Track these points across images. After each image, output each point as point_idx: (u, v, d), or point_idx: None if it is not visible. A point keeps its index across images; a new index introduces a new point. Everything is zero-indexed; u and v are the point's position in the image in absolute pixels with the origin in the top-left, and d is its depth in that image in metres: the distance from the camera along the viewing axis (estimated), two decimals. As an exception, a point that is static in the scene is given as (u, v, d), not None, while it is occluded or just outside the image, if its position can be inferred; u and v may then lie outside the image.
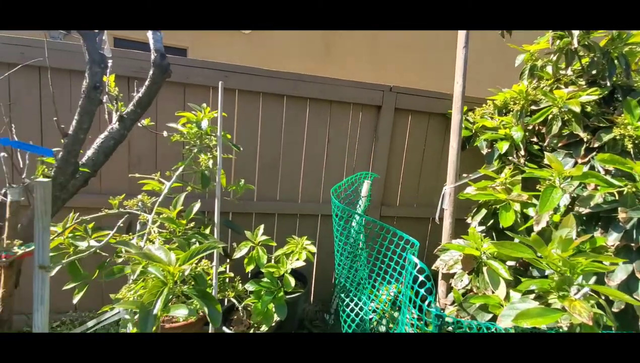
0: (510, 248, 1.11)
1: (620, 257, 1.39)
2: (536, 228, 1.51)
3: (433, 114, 2.52)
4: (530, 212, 1.65)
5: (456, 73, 1.89)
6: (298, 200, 2.42)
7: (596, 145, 1.73)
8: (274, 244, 1.91)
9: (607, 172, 1.62)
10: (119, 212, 1.30)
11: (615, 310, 1.45)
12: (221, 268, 1.98)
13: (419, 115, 2.51)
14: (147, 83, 1.36)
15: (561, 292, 1.09)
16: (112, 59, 1.37)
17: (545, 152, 1.66)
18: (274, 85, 2.19)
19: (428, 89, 2.50)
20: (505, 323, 1.09)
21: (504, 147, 1.96)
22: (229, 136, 1.76)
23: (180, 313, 0.71)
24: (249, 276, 2.09)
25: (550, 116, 1.83)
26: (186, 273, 0.76)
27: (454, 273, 1.73)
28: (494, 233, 1.93)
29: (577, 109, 1.70)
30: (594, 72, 1.89)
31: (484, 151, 2.17)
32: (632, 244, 1.40)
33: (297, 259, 1.80)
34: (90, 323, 1.00)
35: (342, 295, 2.01)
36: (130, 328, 0.99)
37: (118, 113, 1.35)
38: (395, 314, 1.93)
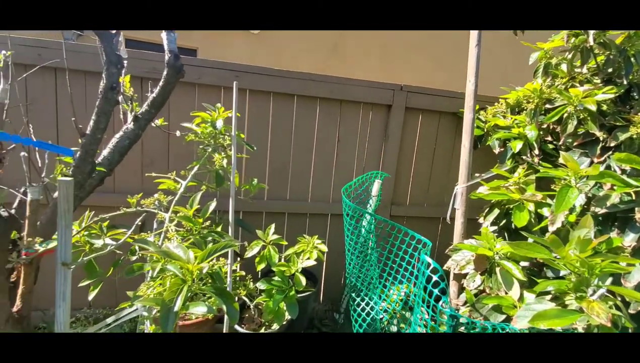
0: (527, 248, 1.10)
1: (637, 258, 1.36)
2: (551, 229, 1.49)
3: (444, 112, 2.51)
4: (545, 212, 1.63)
5: (468, 71, 1.87)
6: (308, 199, 2.43)
7: (612, 144, 1.70)
8: (285, 243, 1.92)
9: (623, 171, 1.60)
10: (137, 210, 1.32)
11: (632, 311, 1.43)
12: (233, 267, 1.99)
13: (429, 114, 2.49)
14: (161, 83, 1.37)
15: (578, 293, 1.07)
16: (126, 59, 1.39)
17: (560, 151, 1.64)
18: (284, 84, 2.20)
19: (438, 88, 2.49)
20: (521, 324, 1.08)
21: (517, 146, 1.94)
22: (242, 136, 1.77)
23: (199, 310, 0.72)
24: (259, 275, 2.10)
25: (565, 115, 1.80)
26: (204, 271, 0.77)
27: (466, 274, 1.71)
28: (505, 234, 1.91)
29: (593, 108, 1.67)
30: (610, 70, 1.86)
31: (496, 150, 2.15)
32: (650, 245, 1.38)
33: (308, 258, 1.80)
34: (109, 320, 1.02)
35: (353, 294, 2.01)
36: (148, 325, 1.00)
37: (133, 113, 1.37)
38: (407, 314, 1.92)
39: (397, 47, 5.60)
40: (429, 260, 1.33)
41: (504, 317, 1.48)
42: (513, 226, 1.80)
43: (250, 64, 2.15)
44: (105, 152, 1.30)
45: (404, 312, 1.93)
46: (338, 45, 5.40)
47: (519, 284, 1.47)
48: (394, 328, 1.91)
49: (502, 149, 2.13)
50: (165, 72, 1.36)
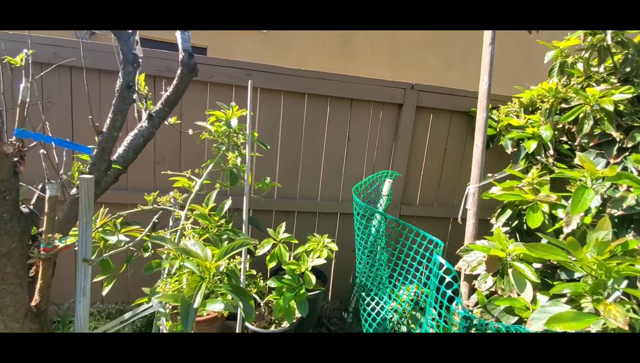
0: (543, 250, 1.08)
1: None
2: (566, 230, 1.47)
3: (455, 112, 2.48)
4: (559, 213, 1.61)
5: (482, 70, 1.85)
6: (318, 198, 2.43)
7: (629, 145, 1.66)
8: (296, 242, 1.93)
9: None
10: (154, 208, 1.34)
11: (649, 315, 1.40)
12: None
13: (440, 113, 2.47)
14: (174, 82, 1.38)
15: (595, 295, 1.06)
16: (141, 58, 1.40)
17: (576, 152, 1.61)
18: (295, 83, 2.20)
19: (448, 87, 2.46)
20: (535, 326, 1.06)
21: (531, 146, 1.91)
22: (256, 134, 1.78)
23: (217, 308, 0.73)
24: (268, 273, 2.11)
25: (581, 115, 1.78)
26: (221, 269, 0.78)
27: (477, 275, 1.70)
28: (517, 235, 1.89)
29: (610, 108, 1.64)
30: (627, 69, 1.82)
31: (509, 150, 2.12)
32: (669, 248, 1.35)
33: (318, 257, 1.81)
34: (126, 315, 1.03)
35: (363, 293, 2.01)
36: (164, 322, 1.01)
37: (147, 111, 1.38)
38: (417, 315, 1.92)
39: (406, 46, 5.57)
40: (442, 260, 1.32)
41: (516, 318, 1.46)
42: (525, 227, 1.78)
43: (261, 63, 2.16)
44: (120, 149, 1.32)
45: (414, 313, 1.92)
46: (346, 44, 5.38)
47: (531, 286, 1.45)
48: (404, 328, 1.90)
49: (515, 149, 2.10)
50: (179, 71, 1.37)
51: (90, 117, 1.12)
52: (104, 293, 1.42)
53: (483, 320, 1.32)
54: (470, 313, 1.26)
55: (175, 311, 1.28)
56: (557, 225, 1.53)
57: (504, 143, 2.15)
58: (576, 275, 1.50)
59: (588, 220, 1.49)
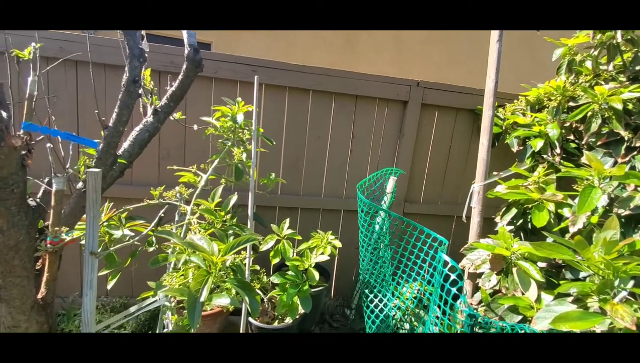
0: (549, 249, 1.08)
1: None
2: (572, 229, 1.46)
3: (460, 109, 2.47)
4: (565, 212, 1.60)
5: (489, 68, 1.83)
6: (321, 195, 2.43)
7: (638, 144, 1.65)
8: (299, 238, 1.93)
9: (648, 172, 1.55)
10: (160, 202, 1.34)
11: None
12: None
13: (446, 111, 2.46)
14: (180, 77, 1.38)
15: (602, 295, 1.05)
16: (147, 53, 1.40)
17: (584, 151, 1.60)
18: (300, 79, 2.19)
19: (454, 84, 2.45)
20: (541, 325, 1.06)
21: (538, 144, 1.89)
22: (261, 130, 1.78)
23: (223, 302, 0.73)
24: (271, 269, 2.12)
25: (589, 113, 1.76)
26: (227, 263, 0.78)
27: (481, 273, 1.69)
28: (521, 234, 1.88)
29: (619, 106, 1.62)
30: (637, 67, 1.80)
31: (515, 149, 2.11)
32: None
33: (322, 253, 1.81)
34: (132, 309, 1.04)
35: (366, 290, 2.01)
36: (170, 315, 1.02)
37: (152, 106, 1.38)
38: (420, 312, 1.92)
39: (411, 42, 5.53)
40: (447, 258, 1.32)
41: (520, 317, 1.46)
42: (530, 226, 1.77)
43: (266, 59, 2.15)
44: (125, 144, 1.32)
45: (417, 310, 1.92)
46: (351, 40, 5.35)
47: (536, 285, 1.44)
48: (406, 326, 1.91)
49: (520, 147, 2.08)
50: (184, 66, 1.37)
51: (96, 111, 1.12)
52: (109, 287, 1.43)
53: (487, 318, 1.31)
54: (475, 311, 1.26)
55: (181, 305, 1.29)
56: (562, 224, 1.52)
57: (509, 141, 2.13)
58: (581, 274, 1.49)
59: (594, 219, 1.48)
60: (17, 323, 1.03)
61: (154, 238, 1.51)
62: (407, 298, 1.92)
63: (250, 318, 1.80)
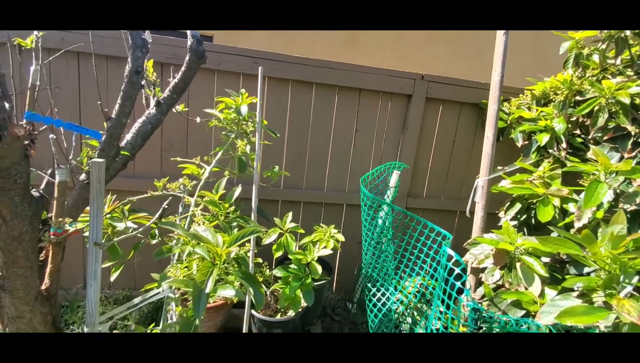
0: (555, 243, 1.07)
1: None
2: (577, 225, 1.45)
3: (465, 103, 2.44)
4: (571, 207, 1.59)
5: (495, 61, 1.80)
6: (324, 189, 2.42)
7: (645, 139, 1.63)
8: (302, 231, 1.92)
9: (655, 167, 1.53)
10: (163, 194, 1.33)
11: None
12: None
13: (450, 105, 2.44)
14: (183, 69, 1.37)
15: (608, 290, 1.04)
16: (150, 43, 1.39)
17: (590, 145, 1.58)
18: (303, 72, 2.18)
19: (459, 78, 2.42)
20: (545, 320, 1.06)
21: (543, 139, 1.88)
22: (265, 122, 1.76)
23: (228, 293, 0.73)
24: (274, 262, 2.12)
25: (596, 108, 1.74)
26: (232, 255, 0.77)
27: (484, 268, 1.69)
28: (525, 229, 1.87)
29: (626, 101, 1.60)
30: (645, 61, 1.78)
31: (519, 143, 2.09)
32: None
33: (325, 247, 1.80)
34: (136, 300, 1.04)
35: (369, 284, 2.01)
36: (174, 307, 1.02)
37: (155, 98, 1.37)
38: (423, 306, 1.92)
39: (414, 36, 5.47)
40: (451, 252, 1.31)
41: (523, 312, 1.46)
42: (534, 221, 1.76)
43: (270, 51, 2.13)
44: (128, 136, 1.31)
45: (420, 305, 1.92)
46: (353, 34, 5.31)
47: (540, 280, 1.44)
48: (409, 320, 1.91)
49: (525, 142, 2.07)
50: (187, 58, 1.36)
51: (99, 102, 1.11)
52: (112, 279, 1.43)
53: (492, 312, 1.31)
54: (479, 305, 1.25)
55: (185, 297, 1.29)
56: (567, 220, 1.51)
57: (514, 136, 2.11)
58: (586, 269, 1.48)
59: (600, 214, 1.47)
60: (21, 314, 1.04)
61: (156, 231, 1.51)
62: (410, 293, 1.92)
63: (253, 311, 1.81)
